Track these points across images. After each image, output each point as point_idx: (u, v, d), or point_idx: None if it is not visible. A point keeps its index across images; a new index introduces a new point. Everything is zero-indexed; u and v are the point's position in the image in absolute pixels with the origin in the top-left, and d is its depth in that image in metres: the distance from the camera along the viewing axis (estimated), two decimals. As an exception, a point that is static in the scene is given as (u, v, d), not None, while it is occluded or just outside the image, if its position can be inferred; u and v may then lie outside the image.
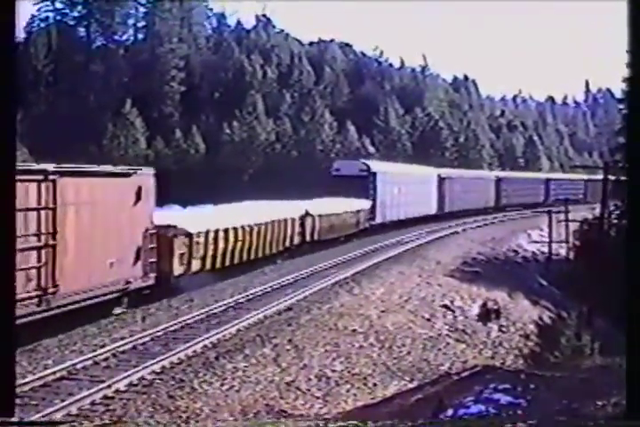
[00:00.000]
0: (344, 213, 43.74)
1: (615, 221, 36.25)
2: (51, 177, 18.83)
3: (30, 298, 18.05)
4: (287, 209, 36.71)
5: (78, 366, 16.96)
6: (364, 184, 49.74)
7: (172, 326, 21.24)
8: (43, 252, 18.52)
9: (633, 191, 10.68)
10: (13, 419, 11.07)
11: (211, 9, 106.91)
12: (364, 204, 47.89)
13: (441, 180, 64.79)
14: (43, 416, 13.65)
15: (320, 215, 39.85)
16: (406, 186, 55.73)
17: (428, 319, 27.02)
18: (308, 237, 38.66)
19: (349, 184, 47.82)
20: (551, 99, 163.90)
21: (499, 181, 77.89)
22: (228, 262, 29.90)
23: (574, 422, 11.88)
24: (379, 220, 51.19)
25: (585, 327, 26.73)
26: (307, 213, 38.25)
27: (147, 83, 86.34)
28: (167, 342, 19.62)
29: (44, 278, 18.50)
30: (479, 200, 72.84)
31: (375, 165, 53.71)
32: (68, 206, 19.42)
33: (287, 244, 36.10)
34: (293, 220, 36.60)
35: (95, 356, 17.75)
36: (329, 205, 41.97)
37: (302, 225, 37.87)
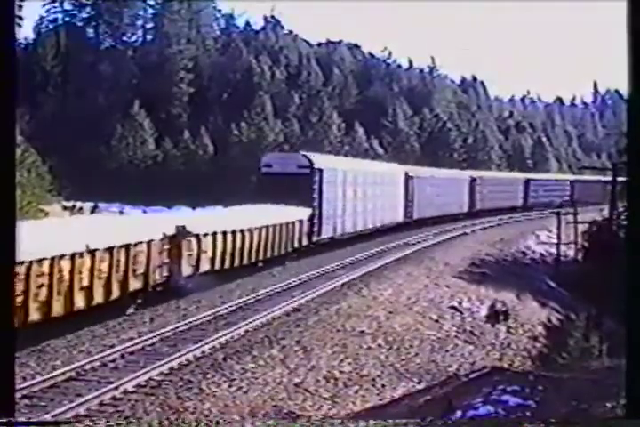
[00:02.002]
0: (265, 228, 31.41)
1: (624, 222, 36.17)
2: None
3: None
4: (143, 227, 24.14)
5: (87, 367, 16.98)
6: (304, 185, 37.59)
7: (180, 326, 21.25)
8: None
9: (633, 192, 10.69)
10: (14, 419, 11.15)
11: (219, 10, 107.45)
12: (302, 212, 36.08)
13: (408, 179, 53.60)
14: (52, 417, 13.67)
15: (214, 233, 27.18)
16: (365, 187, 44.88)
17: (437, 321, 26.98)
18: (187, 270, 25.69)
19: (284, 185, 36.08)
20: (559, 100, 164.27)
21: (473, 181, 68.30)
22: None
23: (582, 423, 11.86)
24: (326, 234, 39.43)
25: (593, 329, 26.68)
26: (184, 232, 25.12)
27: (155, 84, 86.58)
28: (175, 343, 19.64)
29: None
30: (452, 205, 63.23)
31: (320, 160, 40.93)
32: None
33: (136, 285, 22.72)
34: (149, 245, 23.16)
35: (103, 357, 17.78)
36: (240, 217, 30.84)
37: (174, 251, 24.77)
